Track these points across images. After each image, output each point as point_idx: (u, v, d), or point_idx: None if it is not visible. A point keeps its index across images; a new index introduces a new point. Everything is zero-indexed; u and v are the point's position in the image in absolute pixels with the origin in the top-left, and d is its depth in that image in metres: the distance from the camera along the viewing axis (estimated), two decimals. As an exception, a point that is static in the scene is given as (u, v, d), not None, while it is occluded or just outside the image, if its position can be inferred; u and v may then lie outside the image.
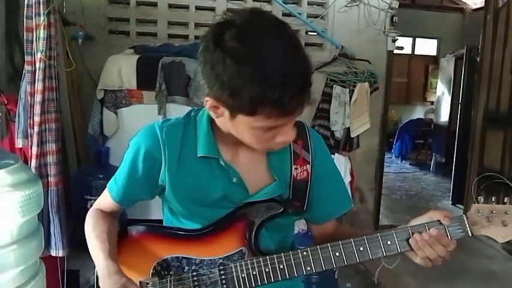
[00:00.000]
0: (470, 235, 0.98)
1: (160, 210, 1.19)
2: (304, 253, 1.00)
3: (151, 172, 1.04)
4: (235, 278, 1.01)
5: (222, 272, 1.02)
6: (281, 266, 1.00)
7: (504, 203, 1.00)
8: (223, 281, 1.02)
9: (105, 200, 1.14)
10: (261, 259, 1.01)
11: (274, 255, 1.01)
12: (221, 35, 0.85)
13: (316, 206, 1.11)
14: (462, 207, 4.45)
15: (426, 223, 0.99)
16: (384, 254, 0.98)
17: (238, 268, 1.02)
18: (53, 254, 2.10)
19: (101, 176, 2.39)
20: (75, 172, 2.69)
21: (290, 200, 1.07)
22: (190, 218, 1.08)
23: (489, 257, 3.56)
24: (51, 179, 2.08)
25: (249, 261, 1.02)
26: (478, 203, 1.01)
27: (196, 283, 1.03)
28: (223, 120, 0.95)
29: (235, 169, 1.04)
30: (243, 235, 1.04)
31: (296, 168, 1.08)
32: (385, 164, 4.07)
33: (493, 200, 1.00)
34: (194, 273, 1.04)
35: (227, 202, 1.05)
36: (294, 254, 1.00)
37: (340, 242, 1.00)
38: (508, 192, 3.64)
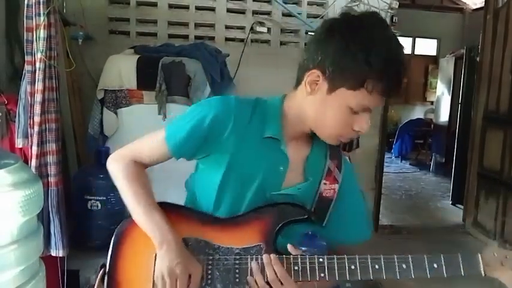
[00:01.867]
0: (483, 275, 1.00)
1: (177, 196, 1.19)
2: (320, 260, 1.00)
3: (212, 135, 1.06)
4: (248, 270, 1.02)
5: (237, 262, 1.04)
6: (295, 268, 1.00)
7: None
8: (237, 270, 1.03)
9: (150, 150, 1.11)
10: (276, 256, 1.02)
11: (291, 256, 1.02)
12: (340, 19, 1.02)
13: (337, 229, 1.13)
14: (462, 207, 4.45)
15: (443, 255, 1.02)
16: (398, 277, 0.99)
17: (254, 261, 1.03)
18: (53, 254, 2.09)
19: (101, 176, 2.38)
20: (75, 172, 2.69)
21: (311, 213, 1.09)
22: (217, 198, 1.09)
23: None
24: (51, 179, 2.08)
25: (263, 255, 1.02)
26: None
27: (210, 266, 1.05)
28: (313, 99, 1.04)
29: (288, 158, 1.09)
30: (264, 231, 1.05)
31: (325, 184, 1.12)
32: (385, 164, 4.07)
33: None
34: (210, 257, 1.05)
35: (258, 187, 1.08)
36: (310, 259, 1.00)
37: (357, 256, 1.00)
38: (508, 192, 3.64)
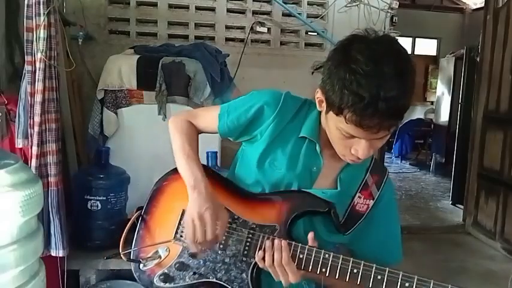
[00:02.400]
0: None
1: None
2: (326, 255, 1.01)
3: (256, 122, 1.14)
4: (258, 246, 1.07)
5: (249, 236, 1.09)
6: (300, 256, 1.03)
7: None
8: (247, 244, 1.08)
9: (205, 122, 1.23)
10: (286, 242, 1.04)
11: (300, 244, 1.04)
12: (353, 43, 0.98)
13: (366, 245, 1.14)
14: (462, 207, 4.45)
15: (451, 285, 0.93)
16: None
17: (265, 239, 1.06)
18: (53, 254, 2.09)
19: (101, 176, 2.39)
20: (75, 172, 2.69)
21: (340, 223, 1.10)
22: (249, 174, 1.16)
23: (489, 257, 3.56)
24: (51, 179, 2.08)
25: (276, 238, 1.05)
26: None
27: (226, 233, 1.10)
28: (323, 114, 1.08)
29: (322, 160, 1.12)
30: (282, 214, 1.09)
31: (359, 197, 1.13)
32: (385, 164, 4.07)
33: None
34: (228, 225, 1.10)
35: (289, 184, 1.12)
36: (317, 252, 1.02)
37: (363, 262, 0.99)
38: (508, 192, 3.64)
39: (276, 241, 1.04)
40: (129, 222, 1.18)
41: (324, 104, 1.03)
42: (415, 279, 0.94)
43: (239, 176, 1.21)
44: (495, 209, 3.80)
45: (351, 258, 1.00)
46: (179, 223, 1.15)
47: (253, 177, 1.16)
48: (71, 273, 2.30)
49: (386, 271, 0.97)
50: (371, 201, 1.13)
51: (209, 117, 1.22)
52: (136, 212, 1.21)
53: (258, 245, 1.07)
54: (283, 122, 1.13)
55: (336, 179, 1.13)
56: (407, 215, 4.67)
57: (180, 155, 1.17)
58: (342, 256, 1.01)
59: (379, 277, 0.97)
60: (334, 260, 1.00)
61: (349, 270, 0.99)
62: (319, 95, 1.05)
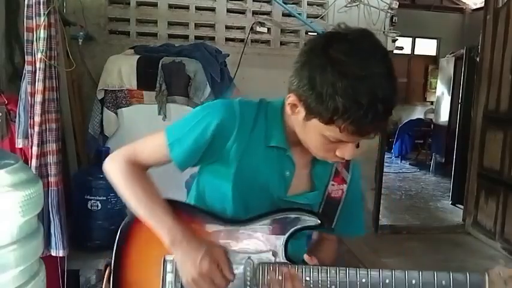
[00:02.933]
0: None
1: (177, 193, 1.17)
2: (333, 271, 0.98)
3: (217, 143, 1.03)
4: (260, 275, 1.00)
5: (247, 268, 1.01)
6: (307, 279, 0.98)
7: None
8: (248, 277, 1.00)
9: (151, 155, 1.08)
10: (289, 266, 0.99)
11: (303, 267, 0.99)
12: (330, 43, 0.89)
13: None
14: (462, 207, 4.45)
15: (452, 273, 0.97)
16: None
17: (272, 271, 0.99)
18: (53, 254, 2.09)
19: (101, 176, 2.36)
20: (75, 172, 2.69)
21: (324, 219, 1.07)
22: (220, 199, 1.08)
23: (489, 257, 3.56)
24: (51, 179, 2.08)
25: (277, 265, 1.00)
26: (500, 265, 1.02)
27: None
28: (295, 119, 0.98)
29: (294, 164, 1.07)
30: (276, 237, 1.03)
31: (333, 185, 1.11)
32: (385, 164, 4.07)
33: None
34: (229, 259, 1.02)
35: (266, 193, 1.07)
36: (322, 270, 0.98)
37: (368, 269, 0.97)
38: (508, 192, 3.64)
39: (285, 270, 0.98)
40: (104, 282, 1.06)
41: (301, 110, 0.95)
42: (420, 274, 0.95)
43: (212, 203, 1.12)
44: (495, 209, 3.80)
45: (357, 269, 0.98)
46: (164, 276, 1.03)
47: (229, 199, 1.07)
48: (71, 273, 2.29)
49: (393, 273, 0.96)
50: (344, 185, 1.12)
51: (156, 149, 1.07)
52: (106, 270, 1.06)
53: (261, 277, 1.00)
54: (246, 135, 1.04)
55: (310, 176, 1.10)
56: (407, 215, 4.67)
57: (137, 205, 1.03)
58: (347, 269, 0.98)
59: (387, 281, 0.96)
60: (341, 274, 0.97)
61: (358, 282, 0.96)
62: (292, 100, 0.96)
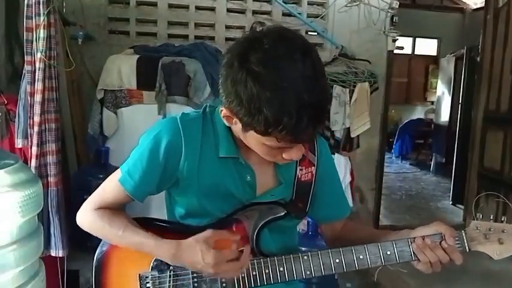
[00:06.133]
0: (467, 250, 1.01)
1: (159, 209, 1.19)
2: (305, 257, 1.01)
3: (170, 164, 1.02)
4: (234, 277, 1.01)
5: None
6: (281, 269, 1.01)
7: (502, 221, 1.02)
8: (223, 279, 1.02)
9: (112, 196, 1.09)
10: (261, 260, 1.02)
11: (275, 258, 1.02)
12: (247, 55, 0.86)
13: (318, 209, 1.15)
14: (462, 207, 4.45)
15: (427, 236, 1.01)
16: (383, 263, 1.01)
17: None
18: (53, 254, 2.09)
19: (101, 176, 2.38)
20: (75, 172, 2.69)
21: (293, 201, 1.09)
22: (195, 215, 1.08)
23: (489, 257, 3.55)
24: (51, 179, 2.08)
25: (249, 262, 1.02)
26: (476, 219, 1.02)
27: (195, 279, 1.04)
28: (235, 128, 0.97)
29: (251, 167, 1.06)
30: (245, 236, 1.05)
31: (301, 170, 1.11)
32: (385, 164, 4.07)
33: (491, 217, 1.02)
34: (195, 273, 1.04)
35: (234, 200, 1.07)
36: (295, 258, 1.01)
37: (340, 248, 1.01)
38: (508, 192, 3.63)
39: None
40: None
41: (236, 121, 0.93)
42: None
43: (186, 221, 1.12)
44: (495, 209, 3.79)
45: (328, 250, 1.02)
46: None
47: (201, 214, 1.07)
48: (71, 273, 2.29)
49: (365, 248, 1.01)
50: (313, 167, 1.12)
51: (114, 190, 1.07)
52: None
53: (235, 277, 1.01)
54: (196, 150, 1.02)
55: (276, 173, 1.09)
56: (408, 215, 4.67)
57: (122, 242, 1.06)
58: (319, 251, 1.02)
59: (361, 257, 1.01)
60: (314, 258, 1.01)
61: (331, 262, 1.01)
62: (225, 113, 0.94)
